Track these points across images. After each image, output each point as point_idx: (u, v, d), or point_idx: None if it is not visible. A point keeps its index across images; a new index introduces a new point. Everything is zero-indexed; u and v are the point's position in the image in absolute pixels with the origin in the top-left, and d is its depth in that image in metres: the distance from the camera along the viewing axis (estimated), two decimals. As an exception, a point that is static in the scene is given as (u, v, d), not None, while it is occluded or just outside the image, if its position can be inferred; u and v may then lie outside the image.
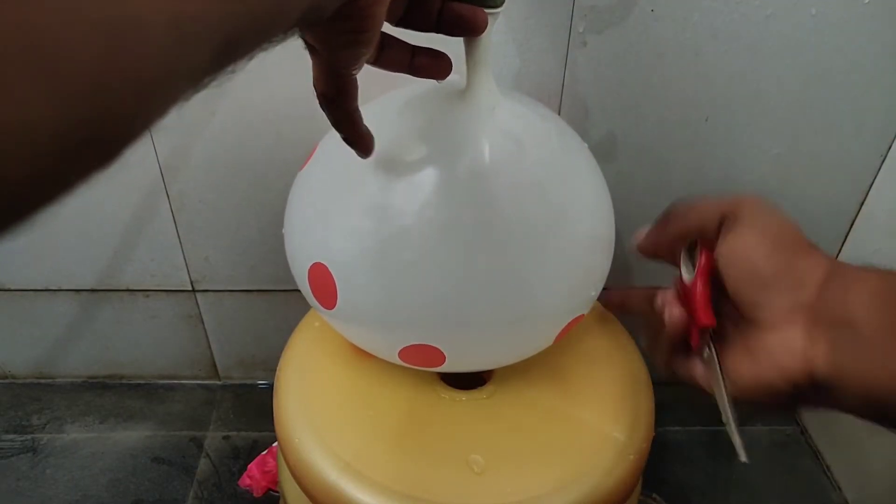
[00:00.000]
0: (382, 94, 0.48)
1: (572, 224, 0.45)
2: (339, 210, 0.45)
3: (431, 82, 0.42)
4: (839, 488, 0.81)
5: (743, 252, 0.36)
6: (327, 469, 0.47)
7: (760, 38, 0.63)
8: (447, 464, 0.48)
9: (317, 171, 0.48)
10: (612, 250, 0.50)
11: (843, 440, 0.81)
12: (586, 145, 0.50)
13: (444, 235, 0.42)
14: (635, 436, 0.50)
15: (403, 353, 0.46)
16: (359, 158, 0.40)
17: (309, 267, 0.46)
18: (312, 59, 0.32)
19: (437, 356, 0.46)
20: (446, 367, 0.47)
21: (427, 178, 0.42)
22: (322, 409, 0.52)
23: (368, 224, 0.43)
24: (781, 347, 0.34)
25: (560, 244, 0.44)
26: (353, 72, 0.33)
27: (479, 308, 0.43)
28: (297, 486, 0.50)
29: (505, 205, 0.42)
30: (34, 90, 0.13)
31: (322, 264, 0.45)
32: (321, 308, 0.48)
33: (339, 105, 0.34)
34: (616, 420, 0.51)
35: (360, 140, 0.38)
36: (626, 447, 0.49)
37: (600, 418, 0.51)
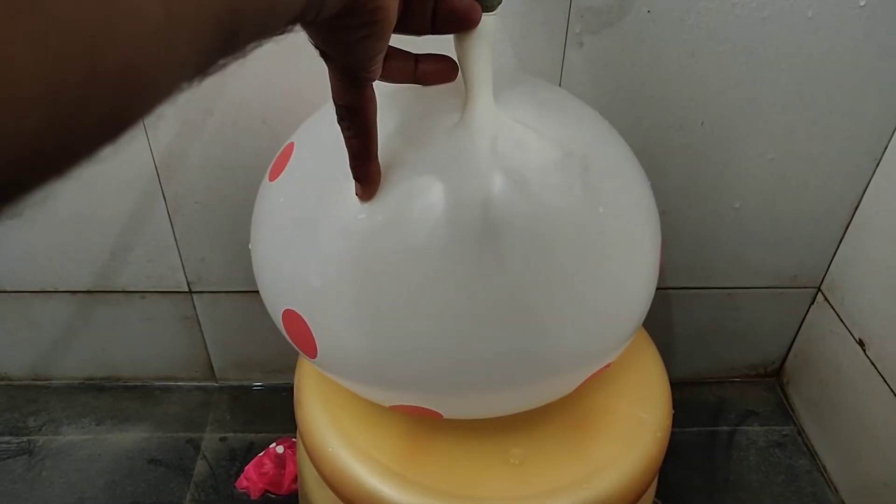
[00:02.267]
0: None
1: (596, 276, 0.39)
2: (311, 245, 0.39)
3: (424, 107, 0.39)
4: (835, 489, 0.81)
5: None
6: (365, 475, 0.46)
7: (757, 40, 0.63)
8: (485, 458, 0.48)
9: (287, 191, 0.42)
10: (651, 294, 0.44)
11: (839, 441, 0.81)
12: (634, 159, 0.44)
13: (438, 282, 0.37)
14: (658, 413, 0.51)
15: (396, 409, 0.45)
16: (334, 185, 0.37)
17: (282, 313, 0.42)
18: (329, 67, 0.32)
19: (433, 414, 0.44)
20: (445, 418, 0.46)
21: (417, 220, 0.37)
22: (351, 415, 0.50)
23: (346, 267, 0.38)
24: None
25: (581, 294, 0.39)
26: (370, 74, 0.32)
27: (477, 365, 0.38)
28: (333, 495, 0.49)
29: (509, 251, 0.37)
30: (28, 72, 0.13)
31: (294, 312, 0.40)
32: (305, 356, 0.44)
33: (359, 117, 0.34)
34: (637, 400, 0.52)
35: (367, 172, 0.36)
36: (653, 426, 0.50)
37: (624, 401, 0.52)
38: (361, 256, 0.37)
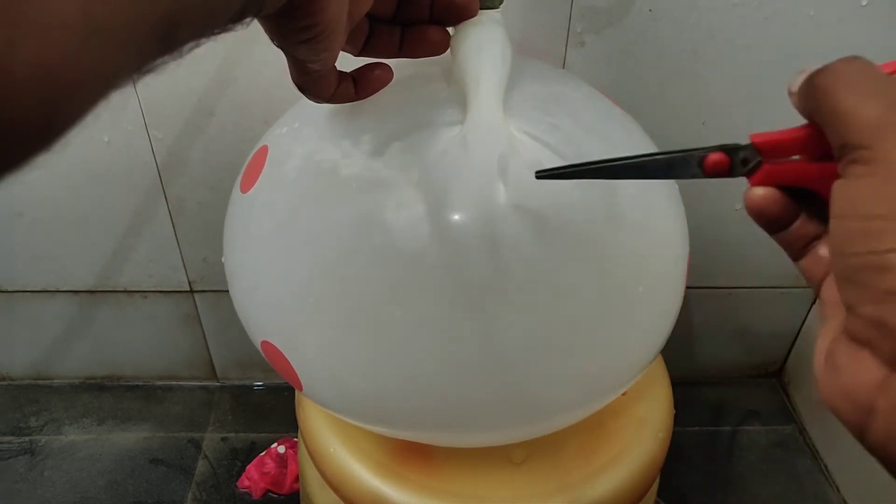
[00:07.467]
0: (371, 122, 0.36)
1: (617, 315, 0.35)
2: (287, 271, 0.35)
3: (422, 116, 0.35)
4: (837, 488, 0.81)
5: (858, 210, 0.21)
6: (367, 475, 0.46)
7: (758, 40, 0.63)
8: (487, 457, 0.48)
9: (261, 206, 0.38)
10: (674, 320, 0.40)
11: (841, 440, 0.81)
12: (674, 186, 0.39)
13: (431, 322, 0.33)
14: (660, 413, 0.51)
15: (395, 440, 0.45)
16: (313, 200, 0.34)
17: (260, 344, 0.40)
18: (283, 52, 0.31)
19: (428, 448, 0.44)
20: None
21: (407, 258, 0.32)
22: None
23: (326, 298, 0.34)
24: (853, 371, 0.20)
25: (600, 333, 0.35)
26: (319, 68, 0.31)
27: (473, 406, 0.35)
28: (335, 495, 0.49)
29: (517, 294, 0.32)
30: None
31: (272, 344, 0.38)
32: (294, 386, 0.42)
33: (314, 95, 0.33)
34: (638, 400, 0.52)
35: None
36: (654, 426, 0.50)
37: (626, 401, 0.52)
38: (344, 287, 0.33)
